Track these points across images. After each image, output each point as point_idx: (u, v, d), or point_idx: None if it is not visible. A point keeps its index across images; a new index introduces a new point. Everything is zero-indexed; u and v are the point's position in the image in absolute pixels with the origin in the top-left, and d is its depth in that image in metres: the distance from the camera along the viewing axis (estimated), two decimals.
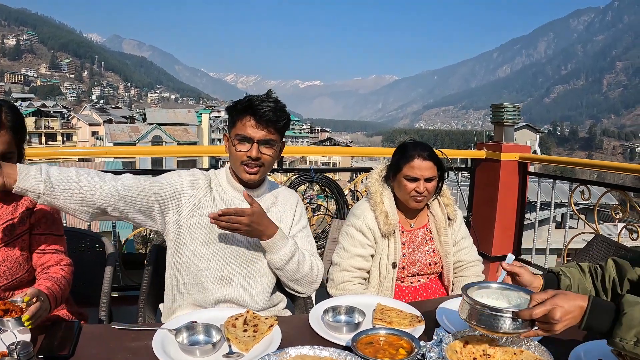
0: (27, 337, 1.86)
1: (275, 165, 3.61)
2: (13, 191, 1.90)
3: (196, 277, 2.41)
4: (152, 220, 2.37)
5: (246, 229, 2.25)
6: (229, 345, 1.84)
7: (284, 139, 2.49)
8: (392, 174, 2.94)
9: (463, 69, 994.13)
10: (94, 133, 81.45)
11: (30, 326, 1.87)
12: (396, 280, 2.93)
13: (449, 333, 1.80)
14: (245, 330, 1.94)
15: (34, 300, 1.96)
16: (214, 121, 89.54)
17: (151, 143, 60.78)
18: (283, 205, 2.60)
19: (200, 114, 78.49)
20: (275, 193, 2.63)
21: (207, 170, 2.61)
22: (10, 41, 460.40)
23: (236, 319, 2.01)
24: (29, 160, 3.59)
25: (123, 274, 4.18)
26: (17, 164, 1.92)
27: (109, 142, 59.68)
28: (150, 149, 6.34)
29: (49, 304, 2.07)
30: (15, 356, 1.56)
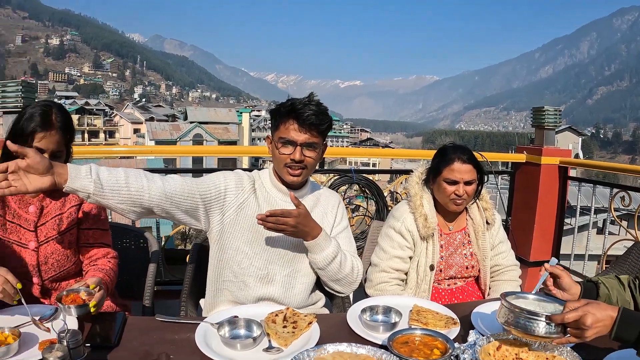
0: (75, 325, 1.93)
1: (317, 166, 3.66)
2: (63, 190, 1.97)
3: (238, 274, 2.47)
4: (196, 220, 2.42)
5: (292, 230, 2.29)
6: (269, 340, 1.89)
7: (325, 141, 2.52)
8: (432, 177, 2.95)
9: (504, 69, 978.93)
10: (136, 131, 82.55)
11: (95, 312, 1.98)
12: (433, 282, 2.94)
13: (483, 336, 1.83)
14: (284, 327, 1.99)
15: (97, 288, 2.07)
16: (254, 120, 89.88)
17: (192, 141, 61.31)
18: (325, 206, 2.64)
19: (241, 113, 78.76)
20: (317, 194, 2.66)
21: (248, 170, 2.66)
22: (55, 41, 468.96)
23: (276, 315, 2.07)
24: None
25: (165, 269, 4.28)
26: (68, 164, 1.98)
27: (150, 140, 60.35)
28: (192, 149, 6.47)
29: (106, 294, 2.18)
30: (65, 343, 1.61)
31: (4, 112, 4.24)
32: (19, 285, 1.96)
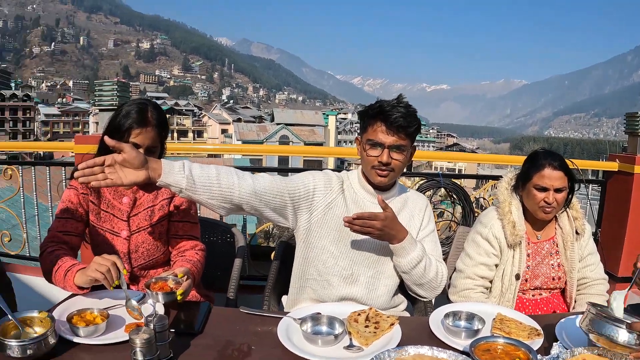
0: (161, 312, 2.02)
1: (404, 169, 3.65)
2: (157, 184, 2.06)
3: (322, 273, 2.50)
4: (284, 218, 2.46)
5: (378, 233, 2.29)
6: (350, 339, 1.91)
7: (414, 144, 2.50)
8: (522, 183, 2.88)
9: (595, 74, 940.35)
10: (224, 131, 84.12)
11: (181, 300, 2.08)
12: (518, 292, 2.88)
13: (567, 349, 1.79)
14: (366, 326, 2.00)
15: (185, 278, 2.17)
16: (340, 123, 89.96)
17: (278, 142, 61.95)
18: (412, 208, 2.62)
19: (327, 115, 79.07)
20: (405, 196, 2.65)
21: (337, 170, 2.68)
22: (145, 45, 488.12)
23: (359, 314, 2.08)
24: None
25: (249, 264, 4.37)
26: (162, 160, 2.06)
27: (237, 140, 61.30)
28: (278, 148, 6.58)
29: (192, 284, 2.27)
30: (152, 326, 1.70)
31: (100, 110, 4.45)
32: (125, 272, 2.09)
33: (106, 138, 2.00)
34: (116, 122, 2.49)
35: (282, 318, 2.03)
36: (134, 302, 2.04)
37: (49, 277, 2.33)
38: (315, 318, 1.99)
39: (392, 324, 2.03)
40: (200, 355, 1.80)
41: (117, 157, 1.95)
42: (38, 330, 1.85)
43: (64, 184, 4.71)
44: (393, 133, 2.35)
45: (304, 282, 2.57)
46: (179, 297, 2.07)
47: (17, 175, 4.89)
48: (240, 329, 2.00)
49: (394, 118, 2.33)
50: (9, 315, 1.87)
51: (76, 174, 1.93)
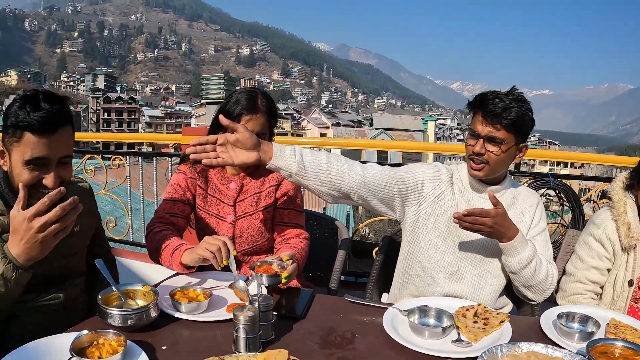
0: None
1: (512, 167, 3.50)
2: (267, 167, 2.07)
3: (427, 269, 2.42)
4: (392, 209, 2.42)
5: (488, 230, 2.18)
6: (458, 333, 1.83)
7: (519, 140, 2.33)
8: (637, 182, 2.67)
9: None
10: (322, 135, 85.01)
11: (285, 283, 2.08)
12: (630, 300, 2.71)
13: None
14: (475, 322, 1.92)
15: (290, 261, 2.17)
16: (439, 129, 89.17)
17: None
18: (522, 205, 2.49)
19: (426, 120, 78.55)
20: (515, 192, 2.51)
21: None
22: (245, 51, 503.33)
23: (467, 310, 1.99)
24: None
25: (349, 260, 4.34)
26: (273, 143, 2.08)
27: None
28: (377, 143, 6.54)
29: (297, 269, 2.27)
30: (257, 305, 1.71)
31: (207, 103, 4.60)
32: (234, 252, 2.12)
33: (221, 117, 2.05)
34: (226, 109, 2.53)
35: (387, 308, 1.98)
36: (241, 283, 2.06)
37: (154, 255, 2.41)
38: (423, 310, 1.93)
39: (502, 321, 1.94)
40: (302, 339, 1.78)
41: (230, 136, 1.98)
42: (140, 303, 1.91)
43: (170, 170, 4.89)
44: (488, 123, 2.26)
45: (407, 278, 2.51)
46: (283, 280, 2.06)
47: (125, 164, 5.13)
48: (343, 317, 1.97)
49: (490, 108, 2.24)
50: (112, 287, 1.94)
51: (188, 150, 1.98)
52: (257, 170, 2.68)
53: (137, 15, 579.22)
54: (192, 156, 1.97)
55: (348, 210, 4.70)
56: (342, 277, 3.71)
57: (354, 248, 4.41)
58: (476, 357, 1.55)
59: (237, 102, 2.52)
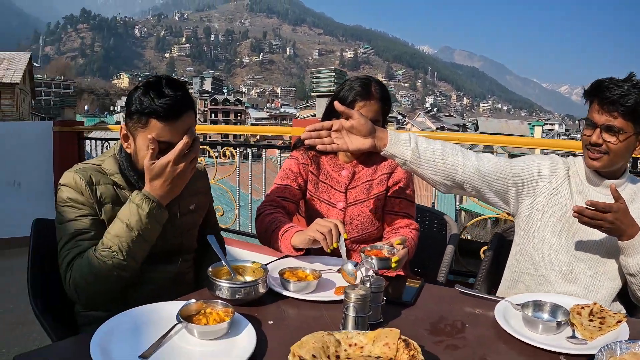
0: None
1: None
2: (381, 154, 2.06)
3: (539, 268, 2.30)
4: (505, 202, 2.34)
5: (608, 227, 2.03)
6: (573, 330, 1.74)
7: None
8: None
9: None
10: None
11: (395, 269, 2.07)
12: None
13: None
14: (590, 320, 1.82)
15: (401, 246, 2.14)
16: (547, 134, 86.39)
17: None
18: None
19: (533, 126, 76.12)
20: (635, 188, 2.31)
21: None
22: (349, 54, 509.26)
23: (582, 308, 1.88)
24: None
25: (455, 258, 4.24)
26: (388, 130, 2.07)
27: None
28: (482, 137, 6.41)
29: (407, 255, 2.24)
30: (368, 285, 1.69)
31: (318, 96, 4.65)
32: (345, 235, 2.11)
33: (336, 103, 2.04)
34: (339, 96, 2.55)
35: (499, 301, 1.91)
36: (350, 266, 2.03)
37: (264, 237, 2.46)
38: (537, 304, 1.84)
39: (619, 322, 1.81)
40: (411, 324, 1.74)
41: (345, 123, 1.99)
42: (249, 279, 1.93)
43: (279, 162, 4.99)
44: (605, 112, 2.10)
45: (517, 276, 2.40)
46: (393, 265, 2.04)
47: (235, 155, 5.31)
48: (453, 307, 1.92)
49: (606, 95, 2.08)
50: (222, 261, 1.99)
51: (303, 136, 2.01)
52: (370, 158, 2.68)
53: (242, 20, 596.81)
54: (307, 142, 2.00)
55: (457, 207, 4.59)
56: (449, 275, 3.65)
57: (460, 246, 4.32)
58: (591, 355, 1.47)
59: (351, 88, 2.54)
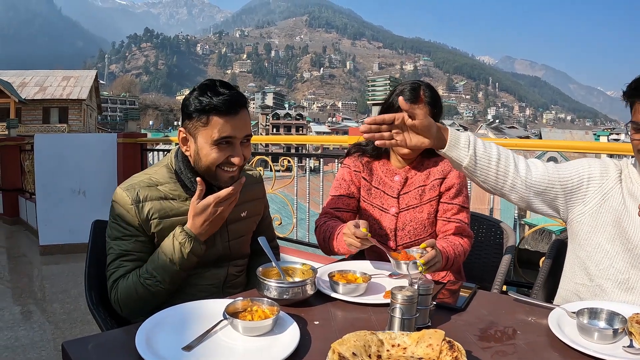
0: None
1: None
2: (438, 152, 2.05)
3: (594, 277, 2.18)
4: (555, 210, 2.25)
5: None
6: (631, 340, 1.67)
7: None
8: None
9: None
10: None
11: (423, 271, 2.03)
12: None
13: None
14: None
15: (429, 249, 2.13)
16: None
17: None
18: None
19: (598, 136, 74.28)
20: None
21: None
22: (409, 67, 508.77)
23: None
24: None
25: (513, 268, 4.15)
26: (449, 129, 2.03)
27: None
28: (538, 143, 6.32)
29: (441, 259, 2.26)
30: (416, 287, 1.68)
31: (373, 104, 4.65)
32: (364, 230, 2.15)
33: (400, 100, 2.00)
34: (389, 101, 2.64)
35: (554, 308, 1.86)
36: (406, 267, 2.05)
37: (323, 246, 2.58)
38: (593, 311, 1.78)
39: None
40: (460, 329, 1.72)
41: (408, 120, 1.97)
42: (298, 280, 1.95)
43: (336, 165, 5.06)
44: None
45: (572, 287, 2.29)
46: (420, 268, 2.02)
47: (293, 165, 5.41)
48: (505, 314, 1.89)
49: None
50: (272, 262, 2.05)
51: (362, 129, 2.00)
52: (422, 163, 2.70)
53: (302, 36, 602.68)
54: (365, 136, 1.99)
55: (515, 216, 4.49)
56: (505, 286, 3.57)
57: (520, 257, 4.24)
58: None
59: (401, 92, 2.58)
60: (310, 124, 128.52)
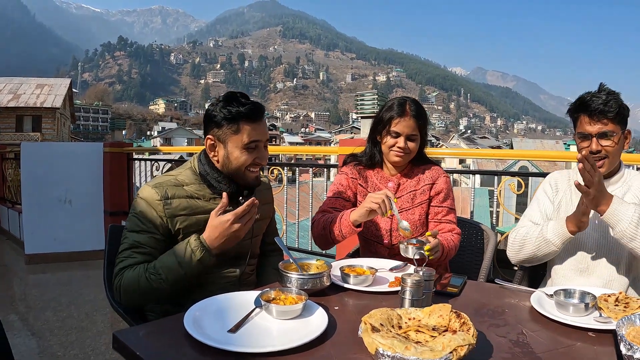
0: None
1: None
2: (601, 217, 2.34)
3: (557, 270, 2.67)
4: None
5: (593, 194, 2.27)
6: (600, 314, 1.93)
7: (626, 129, 2.50)
8: None
9: None
10: (461, 161, 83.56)
11: (430, 256, 2.37)
12: None
13: None
14: (616, 305, 2.01)
15: (431, 238, 2.45)
16: None
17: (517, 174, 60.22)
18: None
19: (569, 145, 74.95)
20: (627, 179, 2.62)
21: None
22: (382, 78, 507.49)
23: (609, 296, 2.09)
24: None
25: (493, 267, 4.45)
26: (613, 198, 2.30)
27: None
28: (530, 153, 6.52)
29: (440, 248, 2.57)
30: (421, 273, 1.98)
31: (362, 117, 4.89)
32: (395, 200, 2.49)
33: (576, 183, 2.28)
34: (380, 116, 2.91)
35: (534, 292, 2.14)
36: (405, 223, 2.50)
37: (322, 236, 2.81)
38: (568, 292, 2.06)
39: None
40: (457, 309, 1.94)
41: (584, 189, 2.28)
42: (316, 272, 2.15)
43: (310, 175, 5.23)
44: (596, 121, 2.42)
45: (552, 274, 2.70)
46: (426, 253, 2.33)
47: (283, 175, 5.61)
48: (494, 297, 2.17)
49: (593, 107, 2.40)
50: (290, 259, 2.27)
51: (579, 157, 2.23)
52: (412, 170, 2.98)
53: (275, 47, 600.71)
54: (579, 166, 2.25)
55: (494, 222, 4.75)
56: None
57: (498, 257, 4.47)
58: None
59: (390, 108, 2.87)
60: (284, 134, 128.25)
